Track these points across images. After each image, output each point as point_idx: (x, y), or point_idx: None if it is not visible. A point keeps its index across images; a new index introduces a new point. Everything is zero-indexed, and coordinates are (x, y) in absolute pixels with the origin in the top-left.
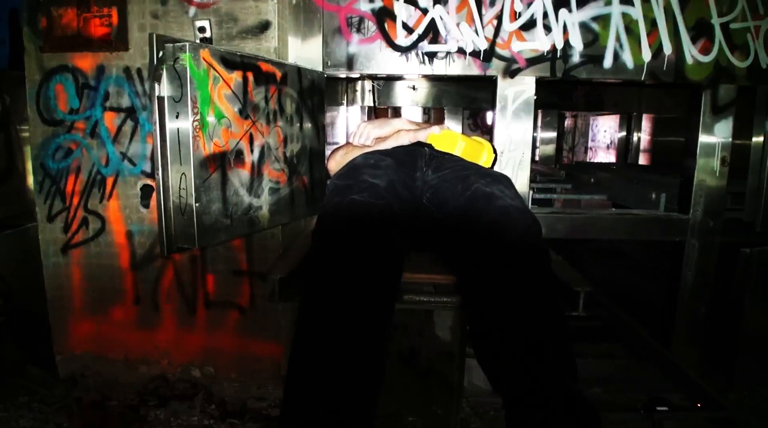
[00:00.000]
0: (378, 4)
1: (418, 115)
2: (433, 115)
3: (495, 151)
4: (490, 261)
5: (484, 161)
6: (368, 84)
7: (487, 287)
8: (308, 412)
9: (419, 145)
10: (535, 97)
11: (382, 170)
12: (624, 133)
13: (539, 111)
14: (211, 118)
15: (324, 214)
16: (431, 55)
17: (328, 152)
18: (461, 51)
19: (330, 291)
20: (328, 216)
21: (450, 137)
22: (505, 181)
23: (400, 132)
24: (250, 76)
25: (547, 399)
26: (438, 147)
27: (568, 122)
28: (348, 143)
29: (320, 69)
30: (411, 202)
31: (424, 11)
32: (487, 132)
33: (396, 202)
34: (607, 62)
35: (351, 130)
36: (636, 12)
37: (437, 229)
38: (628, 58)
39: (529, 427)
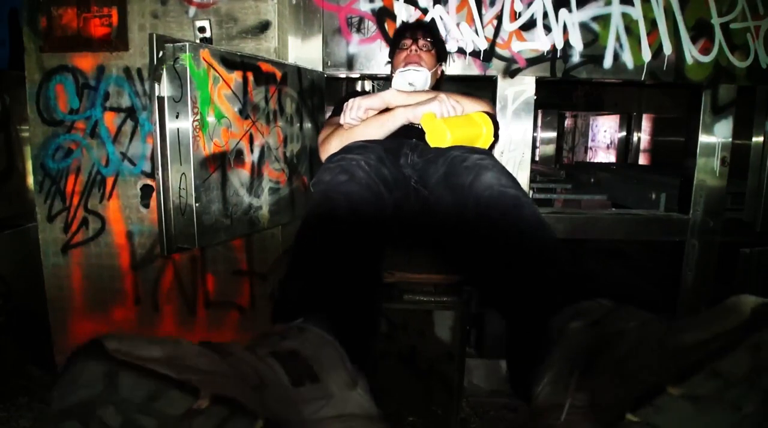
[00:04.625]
0: (378, 4)
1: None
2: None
3: (496, 124)
4: (470, 214)
5: (482, 142)
6: (368, 84)
7: (475, 241)
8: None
9: (406, 137)
10: (535, 97)
11: (370, 150)
12: (624, 133)
13: (539, 111)
14: (211, 118)
15: (316, 181)
16: None
17: (319, 140)
18: (461, 51)
19: (324, 220)
20: (320, 183)
21: (440, 131)
22: (486, 153)
23: (396, 110)
24: (250, 76)
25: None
26: (429, 134)
27: (568, 122)
28: (339, 127)
29: (320, 69)
30: (401, 181)
31: (424, 11)
32: None
33: (386, 170)
34: (607, 62)
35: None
36: (636, 12)
37: (426, 208)
38: (628, 58)
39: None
